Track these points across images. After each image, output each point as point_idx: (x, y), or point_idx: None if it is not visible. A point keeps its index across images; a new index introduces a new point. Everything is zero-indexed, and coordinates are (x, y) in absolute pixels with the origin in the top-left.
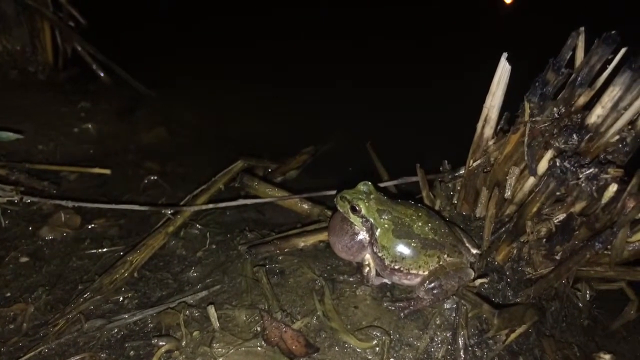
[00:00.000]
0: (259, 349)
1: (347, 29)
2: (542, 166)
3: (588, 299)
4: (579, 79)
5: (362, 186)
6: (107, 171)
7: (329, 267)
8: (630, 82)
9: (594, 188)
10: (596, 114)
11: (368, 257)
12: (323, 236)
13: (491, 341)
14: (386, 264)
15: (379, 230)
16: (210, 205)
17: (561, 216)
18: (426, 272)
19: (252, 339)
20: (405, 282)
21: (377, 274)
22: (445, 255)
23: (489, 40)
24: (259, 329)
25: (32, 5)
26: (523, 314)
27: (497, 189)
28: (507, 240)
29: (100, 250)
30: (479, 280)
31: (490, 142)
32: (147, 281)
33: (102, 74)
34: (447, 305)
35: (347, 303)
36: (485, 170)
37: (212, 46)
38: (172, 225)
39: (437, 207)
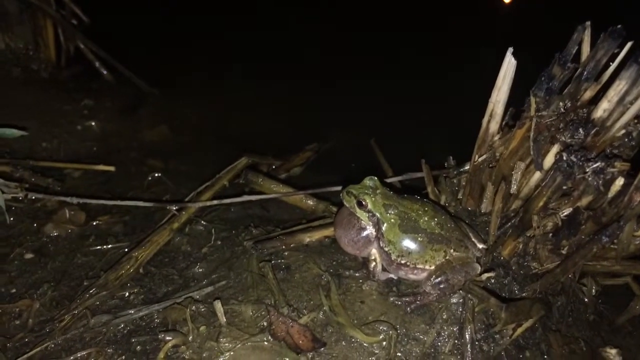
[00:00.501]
0: (266, 343)
1: (349, 25)
2: (548, 160)
3: (594, 294)
4: (585, 73)
5: (368, 181)
6: (112, 168)
7: (334, 263)
8: (637, 76)
9: (600, 182)
10: (602, 108)
11: (374, 252)
12: (328, 232)
13: (498, 335)
14: (393, 258)
15: (385, 225)
16: (215, 202)
17: (567, 210)
18: (433, 267)
19: (259, 333)
20: (412, 276)
21: (384, 269)
22: (452, 250)
23: (491, 36)
24: (265, 324)
25: (34, 3)
26: (530, 308)
27: (503, 183)
28: (513, 235)
29: (105, 247)
30: (486, 275)
31: (496, 137)
32: (152, 277)
33: (104, 72)
34: (453, 300)
35: (353, 298)
36: (490, 165)
37: (215, 44)
38: (177, 222)
39: (442, 203)
